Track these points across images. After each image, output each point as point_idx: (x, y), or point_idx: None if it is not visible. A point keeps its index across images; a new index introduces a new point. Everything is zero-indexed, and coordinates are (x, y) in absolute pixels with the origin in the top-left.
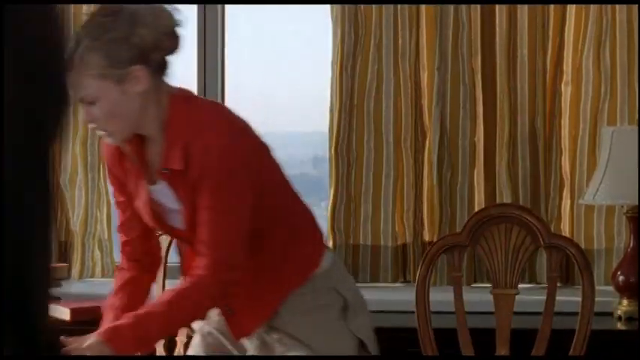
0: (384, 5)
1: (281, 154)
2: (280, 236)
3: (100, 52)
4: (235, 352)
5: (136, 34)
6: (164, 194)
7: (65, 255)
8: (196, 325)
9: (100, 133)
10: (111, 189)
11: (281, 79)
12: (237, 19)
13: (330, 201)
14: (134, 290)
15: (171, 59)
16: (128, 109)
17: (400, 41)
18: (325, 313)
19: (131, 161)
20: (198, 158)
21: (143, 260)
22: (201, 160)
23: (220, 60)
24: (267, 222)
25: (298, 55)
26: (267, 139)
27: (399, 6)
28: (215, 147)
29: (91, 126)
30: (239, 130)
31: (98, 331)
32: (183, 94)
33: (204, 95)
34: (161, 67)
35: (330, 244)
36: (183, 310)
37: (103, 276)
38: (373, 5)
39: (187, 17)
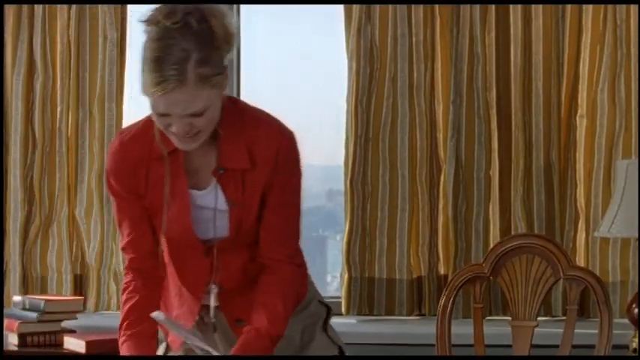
0: (399, 38)
1: None
2: None
3: (210, 61)
4: None
5: (227, 34)
6: (213, 197)
7: (81, 288)
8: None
9: (184, 142)
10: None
11: (296, 112)
12: (252, 52)
13: (346, 234)
14: (144, 315)
15: None
16: (220, 110)
17: (415, 75)
18: (312, 323)
19: (170, 170)
20: (267, 157)
21: (153, 274)
22: (272, 158)
23: (235, 93)
24: None
25: (313, 88)
26: None
27: (414, 39)
28: (284, 146)
29: (182, 136)
30: (291, 131)
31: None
32: (231, 99)
33: None
34: None
35: (346, 277)
36: (293, 301)
37: (118, 309)
38: (388, 38)
39: None
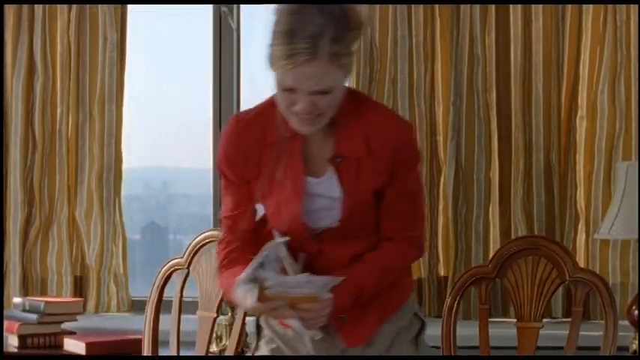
0: (399, 40)
1: None
2: None
3: (342, 41)
4: None
5: (359, 19)
6: (328, 185)
7: (81, 289)
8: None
9: (304, 123)
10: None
11: None
12: (252, 54)
13: None
14: (238, 258)
15: None
16: (342, 95)
17: (415, 76)
18: (404, 337)
19: (285, 155)
20: (384, 146)
21: (248, 248)
22: (389, 148)
23: (236, 95)
24: None
25: None
26: None
27: (414, 41)
28: (401, 136)
29: (304, 117)
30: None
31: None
32: (349, 88)
33: (220, 128)
34: None
35: None
36: (393, 271)
37: (118, 310)
38: (388, 40)
39: (203, 49)
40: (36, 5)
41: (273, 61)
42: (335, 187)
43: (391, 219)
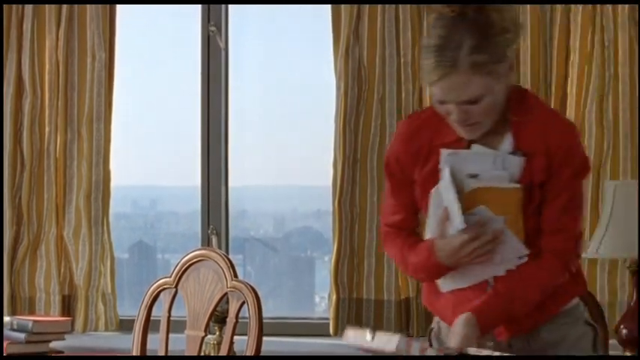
0: (387, 59)
1: (285, 207)
2: None
3: (485, 50)
4: None
5: (506, 25)
6: None
7: (69, 308)
8: None
9: (463, 130)
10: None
11: (284, 132)
12: (240, 72)
13: (334, 255)
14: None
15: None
16: (502, 101)
17: (403, 95)
18: (578, 347)
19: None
20: (561, 152)
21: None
22: (563, 153)
23: (224, 113)
24: None
25: (302, 109)
26: (271, 192)
27: (402, 60)
28: (576, 144)
29: (465, 123)
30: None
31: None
32: (520, 89)
33: (208, 146)
34: None
35: (334, 298)
36: (540, 288)
37: (106, 329)
38: (376, 59)
39: (192, 68)
40: (24, 24)
41: (423, 74)
42: None
43: (548, 224)
